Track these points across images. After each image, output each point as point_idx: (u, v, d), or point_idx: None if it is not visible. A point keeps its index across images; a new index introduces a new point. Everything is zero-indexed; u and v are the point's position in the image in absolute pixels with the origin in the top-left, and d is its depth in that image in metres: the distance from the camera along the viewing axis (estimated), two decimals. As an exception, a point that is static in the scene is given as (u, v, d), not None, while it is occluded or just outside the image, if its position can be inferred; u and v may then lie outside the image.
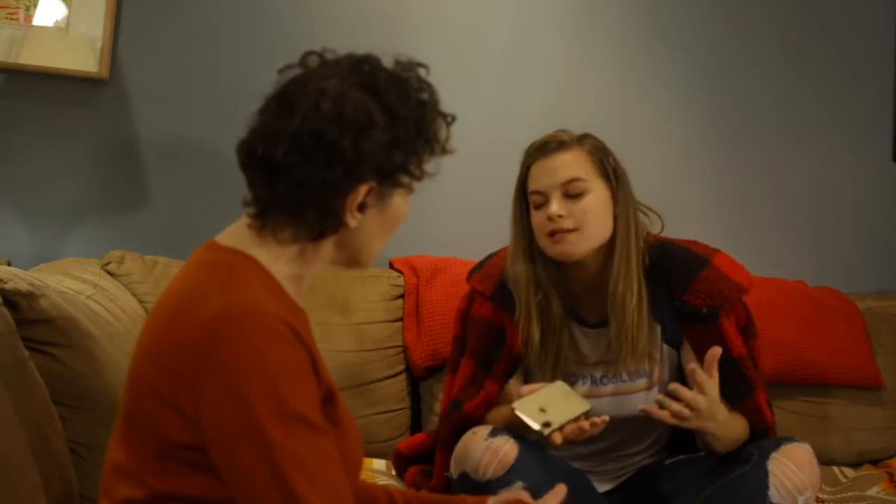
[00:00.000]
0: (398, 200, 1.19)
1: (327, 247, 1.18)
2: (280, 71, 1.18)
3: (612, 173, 1.76)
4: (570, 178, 1.73)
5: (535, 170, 1.77)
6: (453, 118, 1.19)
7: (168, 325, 1.12)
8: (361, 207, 1.15)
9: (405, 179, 1.17)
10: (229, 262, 1.15)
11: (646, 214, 1.81)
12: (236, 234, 1.19)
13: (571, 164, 1.75)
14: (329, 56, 1.18)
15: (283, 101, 1.13)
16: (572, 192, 1.73)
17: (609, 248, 1.77)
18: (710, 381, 1.59)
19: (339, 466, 1.09)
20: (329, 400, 1.16)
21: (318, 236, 1.16)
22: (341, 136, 1.10)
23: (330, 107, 1.10)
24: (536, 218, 1.76)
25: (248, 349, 1.05)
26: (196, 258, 1.20)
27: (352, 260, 1.21)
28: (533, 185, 1.77)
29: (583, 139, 1.79)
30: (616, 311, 1.74)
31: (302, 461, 1.04)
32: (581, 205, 1.73)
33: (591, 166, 1.76)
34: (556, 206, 1.72)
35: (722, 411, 1.62)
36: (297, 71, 1.17)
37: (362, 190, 1.13)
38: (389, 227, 1.20)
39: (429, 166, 1.18)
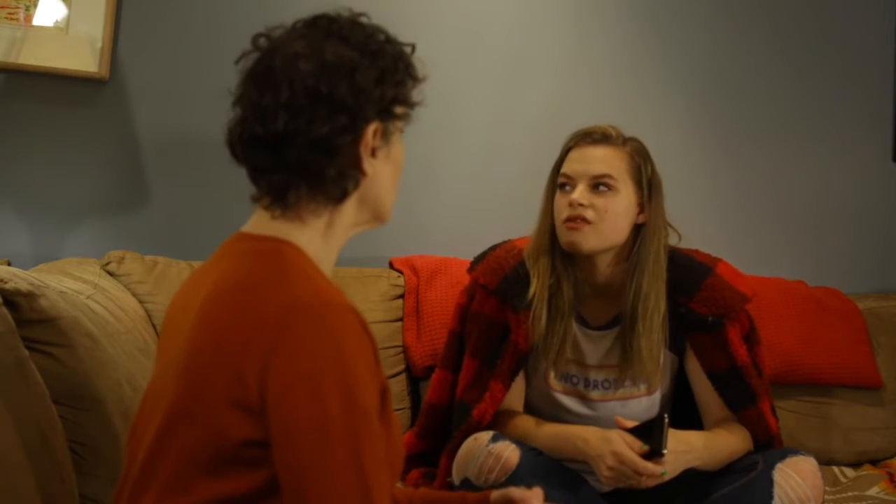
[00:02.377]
0: (397, 140, 1.20)
1: (350, 208, 1.17)
2: (237, 62, 1.17)
3: (645, 182, 1.75)
4: (601, 172, 1.73)
5: (573, 154, 1.77)
6: (413, 47, 1.21)
7: (228, 320, 1.07)
8: (373, 152, 1.16)
9: (400, 110, 1.18)
10: (275, 251, 1.13)
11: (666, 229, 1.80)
12: (263, 224, 1.16)
13: (608, 159, 1.74)
14: (277, 31, 1.18)
15: (261, 80, 1.13)
16: (600, 187, 1.72)
17: (623, 254, 1.76)
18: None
19: (386, 468, 1.07)
20: (383, 395, 1.13)
21: (342, 195, 1.15)
22: (335, 85, 1.11)
23: (310, 64, 1.11)
24: (559, 201, 1.76)
25: (322, 340, 1.03)
26: (232, 249, 1.17)
27: (374, 214, 1.21)
28: (565, 168, 1.77)
29: (628, 140, 1.78)
30: (635, 323, 1.73)
31: (360, 457, 1.02)
32: (604, 201, 1.72)
33: (627, 168, 1.75)
34: (578, 193, 1.72)
35: (694, 455, 1.63)
36: (255, 55, 1.17)
37: (370, 131, 1.14)
38: (397, 172, 1.21)
39: (414, 95, 1.20)
